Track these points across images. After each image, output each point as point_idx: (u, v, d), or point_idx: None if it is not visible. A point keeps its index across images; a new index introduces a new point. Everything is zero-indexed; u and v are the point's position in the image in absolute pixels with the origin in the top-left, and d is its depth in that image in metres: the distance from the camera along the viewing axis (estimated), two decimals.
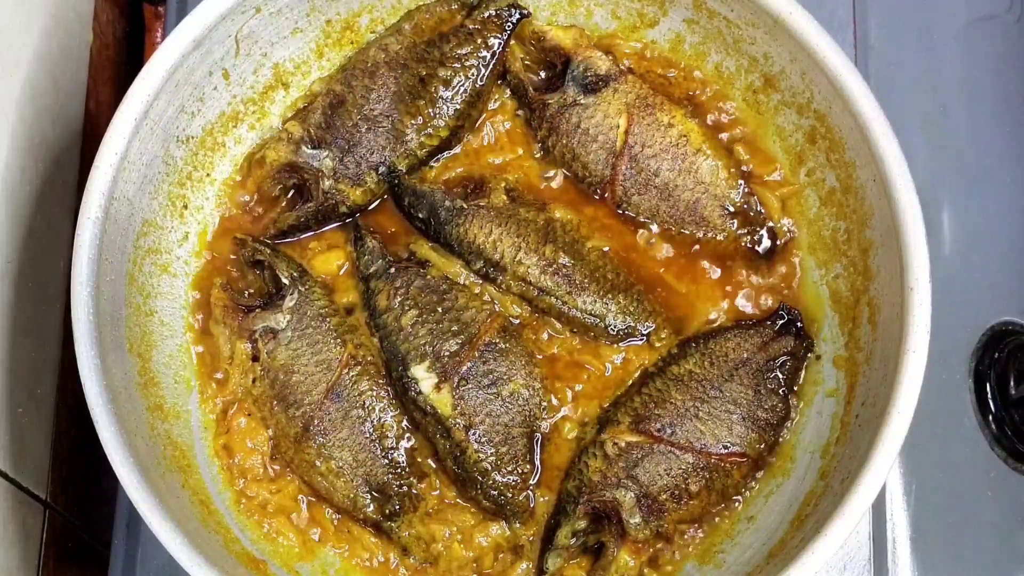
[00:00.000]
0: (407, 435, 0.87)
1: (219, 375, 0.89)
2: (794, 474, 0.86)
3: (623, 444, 0.84)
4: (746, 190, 0.91)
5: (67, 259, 0.80)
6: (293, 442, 0.85)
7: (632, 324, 0.89)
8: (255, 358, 0.87)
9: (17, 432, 0.86)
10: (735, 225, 0.91)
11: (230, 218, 0.92)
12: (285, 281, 0.88)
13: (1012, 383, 0.94)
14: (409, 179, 0.92)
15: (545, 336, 0.89)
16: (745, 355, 0.87)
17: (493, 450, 0.84)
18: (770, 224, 0.92)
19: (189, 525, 0.77)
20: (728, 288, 0.91)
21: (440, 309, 0.87)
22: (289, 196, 0.93)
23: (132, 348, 0.84)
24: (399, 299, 0.88)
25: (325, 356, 0.86)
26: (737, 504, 0.86)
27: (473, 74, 0.92)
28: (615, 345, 0.89)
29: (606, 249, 0.91)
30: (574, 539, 0.83)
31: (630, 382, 0.89)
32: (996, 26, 1.05)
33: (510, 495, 0.84)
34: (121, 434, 0.76)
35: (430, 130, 0.92)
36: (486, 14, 0.92)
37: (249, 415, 0.87)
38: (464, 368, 0.85)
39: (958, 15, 1.05)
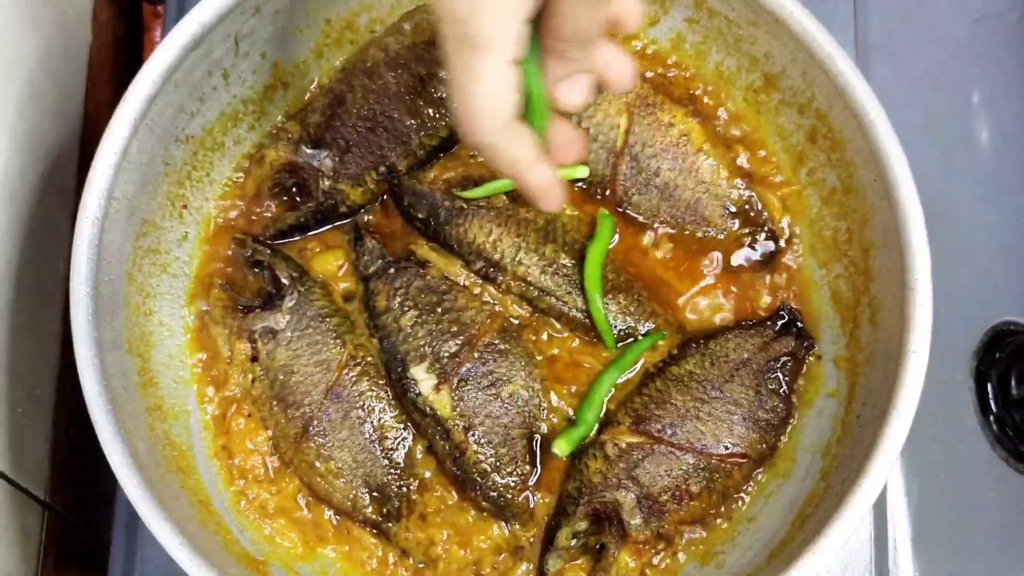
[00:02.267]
0: (407, 436, 0.86)
1: (218, 375, 0.88)
2: (795, 475, 0.86)
3: (623, 445, 0.84)
4: (747, 190, 0.91)
5: (66, 259, 0.79)
6: (292, 443, 0.85)
7: (632, 324, 0.89)
8: (254, 358, 0.87)
9: (16, 433, 0.86)
10: (736, 225, 0.91)
11: (229, 218, 0.92)
12: (285, 281, 0.88)
13: (1013, 383, 0.94)
14: (409, 179, 0.92)
15: (545, 337, 0.89)
16: (746, 355, 0.87)
17: (492, 451, 0.84)
18: (771, 224, 0.92)
19: (188, 526, 0.77)
20: (728, 288, 0.91)
21: (439, 310, 0.87)
22: (289, 196, 0.93)
23: (131, 348, 0.83)
24: (398, 300, 0.88)
25: (325, 356, 0.86)
26: (738, 505, 0.86)
27: None
28: (615, 345, 0.89)
29: None
30: (574, 540, 0.83)
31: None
32: (998, 25, 1.05)
33: (510, 496, 0.84)
34: (120, 435, 0.76)
35: (430, 130, 0.92)
36: None
37: (248, 416, 0.87)
38: (464, 369, 0.85)
39: (960, 14, 1.05)
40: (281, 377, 0.86)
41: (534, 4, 0.55)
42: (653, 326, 0.89)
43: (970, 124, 1.02)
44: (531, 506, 0.85)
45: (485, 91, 0.56)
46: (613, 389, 0.88)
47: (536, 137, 0.60)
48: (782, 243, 0.92)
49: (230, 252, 0.91)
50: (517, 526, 0.85)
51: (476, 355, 0.85)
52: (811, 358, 0.88)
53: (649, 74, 0.95)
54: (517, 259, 0.88)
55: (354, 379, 0.86)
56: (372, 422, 0.85)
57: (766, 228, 0.91)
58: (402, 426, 0.86)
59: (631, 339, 0.89)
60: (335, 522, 0.86)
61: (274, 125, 0.94)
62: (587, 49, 0.59)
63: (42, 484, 0.90)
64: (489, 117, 0.57)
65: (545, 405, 0.87)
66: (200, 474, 0.85)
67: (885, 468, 0.75)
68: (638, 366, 0.89)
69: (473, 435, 0.84)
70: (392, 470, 0.85)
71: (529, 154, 0.60)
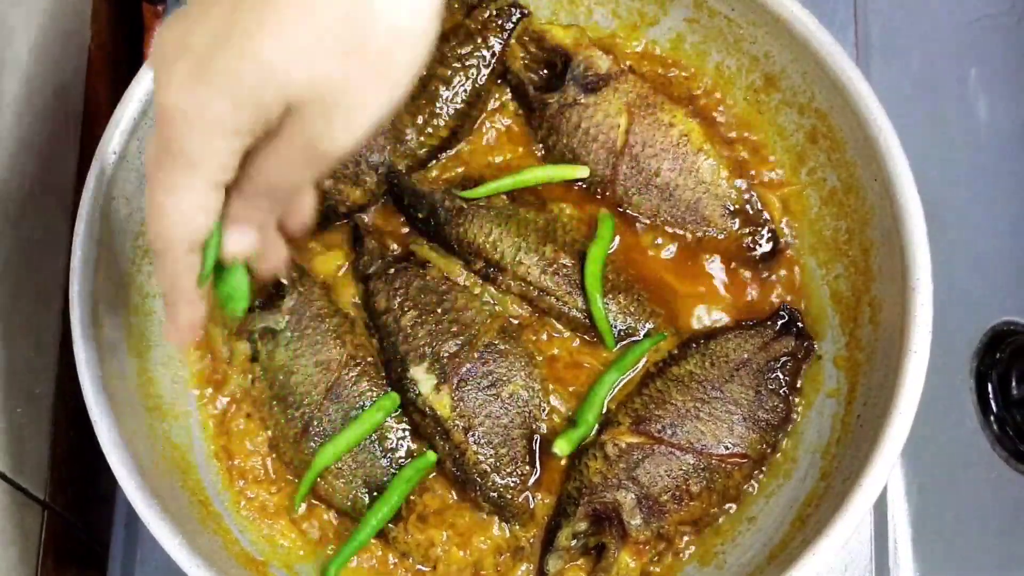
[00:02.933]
0: (407, 436, 0.86)
1: (218, 375, 0.88)
2: (795, 475, 0.85)
3: (623, 445, 0.84)
4: (747, 190, 0.91)
5: (65, 259, 0.79)
6: (292, 443, 0.85)
7: (633, 324, 0.89)
8: (254, 359, 0.87)
9: (16, 433, 0.86)
10: (736, 225, 0.91)
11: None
12: (284, 281, 0.87)
13: (1014, 383, 0.94)
14: (409, 179, 0.91)
15: (545, 337, 0.89)
16: (746, 355, 0.86)
17: (492, 451, 0.84)
18: (771, 224, 0.91)
19: (188, 526, 0.77)
20: (729, 288, 0.91)
21: (439, 310, 0.87)
22: None
23: (130, 348, 0.83)
24: (398, 300, 0.87)
25: (324, 357, 0.86)
26: (738, 505, 0.86)
27: (473, 73, 0.92)
28: (615, 346, 0.89)
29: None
30: (575, 541, 0.83)
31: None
32: (998, 26, 1.05)
33: (509, 497, 0.84)
34: (119, 435, 0.76)
35: (430, 130, 0.92)
36: (486, 14, 0.92)
37: (248, 416, 0.87)
38: (463, 369, 0.85)
39: (960, 15, 1.05)
40: (281, 377, 0.86)
41: (247, 142, 0.54)
42: (653, 326, 0.89)
43: (970, 124, 1.02)
44: (531, 506, 0.85)
45: (181, 207, 0.56)
46: (614, 390, 0.88)
47: (202, 270, 0.60)
48: (782, 243, 0.91)
49: None
50: (517, 527, 0.85)
51: (476, 355, 0.85)
52: (811, 358, 0.88)
53: (649, 74, 0.95)
54: (517, 259, 0.88)
55: (354, 379, 0.86)
56: None
57: (766, 228, 0.91)
58: (402, 426, 0.86)
59: (631, 339, 0.89)
60: (335, 522, 0.86)
61: None
62: (264, 203, 0.58)
63: (41, 484, 0.90)
64: (178, 233, 0.57)
65: (545, 405, 0.87)
66: (200, 474, 0.85)
67: (886, 468, 0.75)
68: (639, 366, 0.89)
69: (473, 435, 0.84)
70: (392, 470, 0.85)
71: (190, 288, 0.60)
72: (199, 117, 0.52)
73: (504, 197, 0.91)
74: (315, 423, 0.84)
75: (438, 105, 0.91)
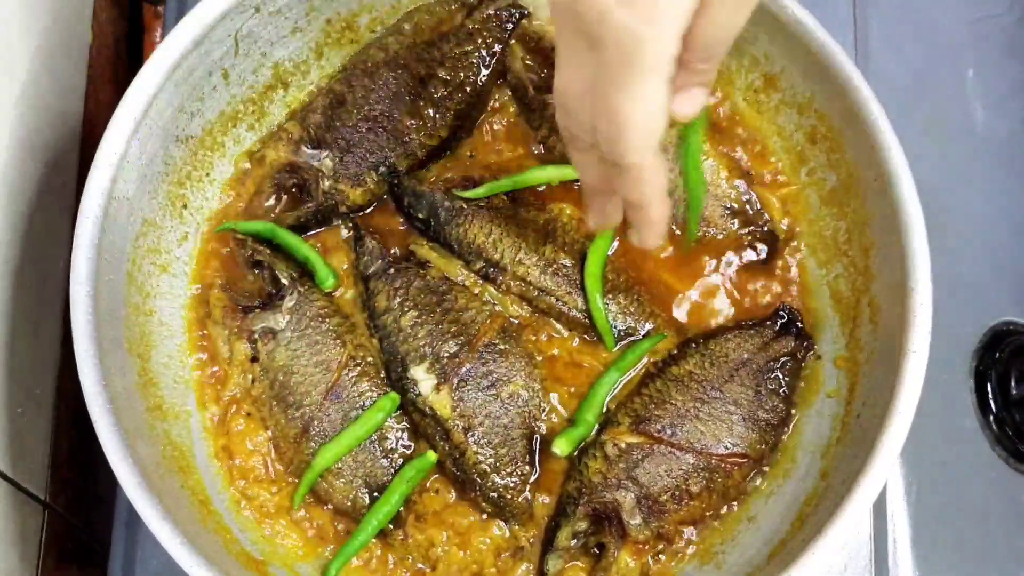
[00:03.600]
0: (407, 436, 0.86)
1: (218, 375, 0.88)
2: (795, 474, 0.86)
3: (623, 445, 0.84)
4: (747, 190, 0.91)
5: (66, 259, 0.79)
6: (292, 443, 0.85)
7: (632, 325, 0.89)
8: (254, 359, 0.87)
9: (16, 433, 0.86)
10: (736, 225, 0.91)
11: (230, 218, 0.92)
12: (284, 281, 0.88)
13: (1013, 383, 0.94)
14: (409, 179, 0.92)
15: (545, 337, 0.89)
16: (745, 356, 0.86)
17: (492, 452, 0.84)
18: (771, 224, 0.92)
19: (188, 526, 0.77)
20: (728, 288, 0.91)
21: (439, 310, 0.87)
22: (289, 196, 0.93)
23: (131, 348, 0.83)
24: (398, 300, 0.88)
25: (324, 357, 0.86)
26: (738, 505, 0.86)
27: (473, 74, 0.92)
28: (615, 346, 0.89)
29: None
30: (574, 540, 0.83)
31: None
32: (997, 26, 1.05)
33: (509, 497, 0.84)
34: (120, 435, 0.76)
35: (430, 130, 0.92)
36: (486, 14, 0.92)
37: (248, 416, 0.87)
38: (463, 369, 0.85)
39: (959, 15, 1.05)
40: (281, 377, 0.86)
41: (687, 24, 0.57)
42: (653, 326, 0.89)
43: (969, 124, 1.02)
44: (531, 506, 0.85)
45: (645, 110, 0.58)
46: (614, 390, 0.88)
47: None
48: (782, 243, 0.92)
49: (230, 252, 0.91)
50: (517, 526, 0.85)
51: (476, 355, 0.85)
52: (811, 358, 0.88)
53: None
54: (517, 259, 0.88)
55: (354, 379, 0.86)
56: None
57: (766, 228, 0.91)
58: (402, 426, 0.86)
59: (631, 339, 0.89)
60: (335, 522, 0.86)
61: (274, 125, 0.94)
62: (712, 63, 0.61)
63: (42, 484, 0.90)
64: (644, 137, 0.59)
65: (545, 405, 0.87)
66: (200, 474, 0.85)
67: (885, 468, 0.75)
68: (639, 366, 0.89)
69: (473, 435, 0.84)
70: (392, 470, 0.85)
71: (663, 184, 0.63)
72: (652, 24, 0.55)
73: (504, 197, 0.91)
74: (315, 423, 0.85)
75: (438, 106, 0.91)
